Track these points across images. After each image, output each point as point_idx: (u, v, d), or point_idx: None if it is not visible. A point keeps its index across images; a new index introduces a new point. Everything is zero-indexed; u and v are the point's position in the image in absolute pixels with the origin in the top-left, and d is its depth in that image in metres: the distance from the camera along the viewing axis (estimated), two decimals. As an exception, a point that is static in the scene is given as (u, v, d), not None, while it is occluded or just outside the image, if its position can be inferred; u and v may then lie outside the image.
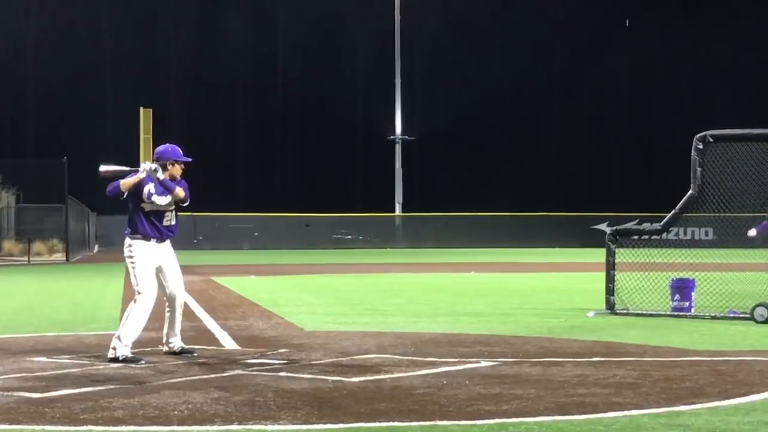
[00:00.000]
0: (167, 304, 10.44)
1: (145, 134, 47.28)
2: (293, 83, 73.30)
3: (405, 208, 64.05)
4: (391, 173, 65.28)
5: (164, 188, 10.18)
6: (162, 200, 10.24)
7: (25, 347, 11.35)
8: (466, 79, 73.37)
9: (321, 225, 59.96)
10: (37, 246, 45.83)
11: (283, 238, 58.25)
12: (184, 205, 10.47)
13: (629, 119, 75.62)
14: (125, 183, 10.19)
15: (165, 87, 70.38)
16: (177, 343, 10.45)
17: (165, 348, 10.45)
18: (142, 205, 10.19)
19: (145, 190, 10.19)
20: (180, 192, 10.23)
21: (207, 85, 71.10)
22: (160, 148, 10.51)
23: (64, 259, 41.77)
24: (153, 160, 10.47)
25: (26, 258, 41.70)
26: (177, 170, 10.34)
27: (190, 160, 10.41)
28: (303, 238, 58.31)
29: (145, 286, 10.10)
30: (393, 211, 63.82)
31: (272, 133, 73.52)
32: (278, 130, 73.89)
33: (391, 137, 66.38)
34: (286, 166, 73.71)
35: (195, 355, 10.37)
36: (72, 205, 44.60)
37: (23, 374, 9.21)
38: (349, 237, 59.92)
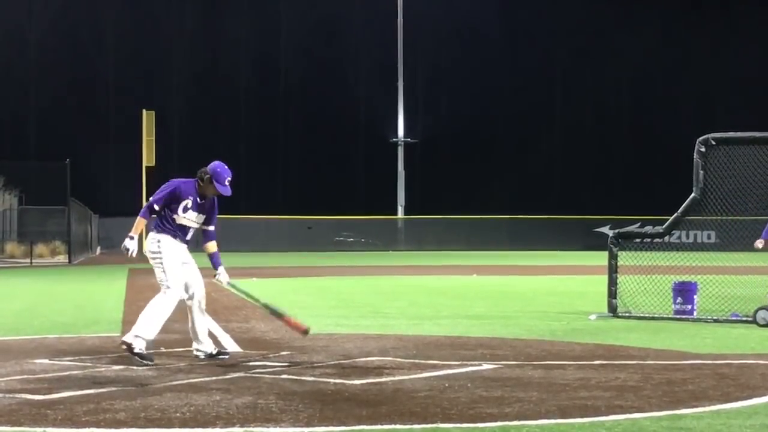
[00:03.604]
0: (189, 303, 10.35)
1: (147, 136, 47.37)
2: (295, 85, 73.34)
3: (407, 211, 64.06)
4: (393, 176, 65.31)
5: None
6: (194, 217, 10.17)
7: (27, 349, 11.35)
8: (469, 82, 73.38)
9: (323, 227, 59.98)
10: (40, 248, 45.85)
11: (285, 240, 58.27)
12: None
13: (631, 122, 75.61)
14: (136, 226, 10.18)
15: (167, 89, 70.43)
16: (209, 346, 10.41)
17: (199, 354, 10.35)
18: (174, 216, 10.13)
19: (183, 204, 10.13)
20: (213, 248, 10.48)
21: (209, 86, 71.16)
22: (216, 163, 10.24)
23: (67, 261, 41.79)
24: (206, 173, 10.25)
25: (28, 260, 41.72)
26: (210, 190, 10.16)
27: (228, 194, 10.13)
28: (305, 241, 58.33)
29: (174, 281, 10.02)
30: (395, 213, 63.84)
31: (274, 135, 73.56)
32: (280, 132, 73.93)
33: (394, 140, 66.41)
34: (288, 168, 73.74)
35: (227, 356, 10.37)
36: (74, 207, 44.62)
37: (25, 376, 9.22)
38: (351, 239, 59.93)
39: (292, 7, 73.70)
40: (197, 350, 10.39)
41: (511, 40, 73.47)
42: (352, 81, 73.38)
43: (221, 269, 10.33)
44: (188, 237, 10.30)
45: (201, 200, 10.21)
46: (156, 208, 10.14)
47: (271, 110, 73.13)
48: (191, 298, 10.30)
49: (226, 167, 10.27)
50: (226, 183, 10.18)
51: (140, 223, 10.18)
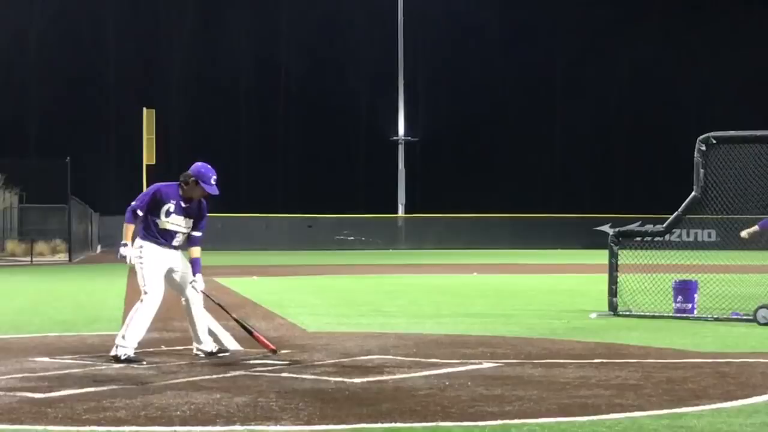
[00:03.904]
0: (185, 308, 10.40)
1: (148, 134, 47.31)
2: (296, 83, 73.35)
3: (408, 209, 64.04)
4: (393, 174, 65.29)
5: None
6: (180, 221, 10.13)
7: (27, 347, 11.35)
8: (469, 81, 73.39)
9: (323, 226, 59.97)
10: (40, 246, 45.87)
11: (286, 238, 58.27)
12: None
13: (632, 121, 75.62)
14: (125, 231, 10.11)
15: (168, 87, 70.44)
16: (209, 345, 10.42)
17: (199, 353, 10.38)
18: (157, 221, 10.10)
19: (164, 208, 10.08)
20: (197, 254, 10.32)
21: (210, 85, 71.15)
22: (198, 164, 10.22)
23: (67, 259, 41.80)
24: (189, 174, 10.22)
25: (29, 258, 41.74)
26: (195, 191, 10.12)
27: (216, 193, 10.13)
28: (305, 239, 58.32)
29: (151, 287, 10.06)
30: (395, 212, 63.83)
31: (275, 133, 73.57)
32: (281, 130, 73.94)
33: (394, 138, 66.40)
34: (289, 166, 73.75)
35: (228, 354, 10.37)
36: (75, 205, 44.64)
37: (26, 374, 9.22)
38: (352, 238, 59.93)
39: (292, 5, 73.69)
40: (197, 349, 10.41)
41: (512, 38, 73.45)
42: (352, 79, 73.36)
43: (199, 276, 10.27)
44: (175, 242, 10.19)
45: (186, 204, 10.15)
46: (139, 213, 10.09)
47: (271, 109, 73.12)
48: (188, 300, 10.33)
49: (209, 167, 10.21)
50: (213, 182, 10.12)
51: (128, 228, 10.13)
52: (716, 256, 18.57)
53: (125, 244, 10.10)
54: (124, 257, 10.15)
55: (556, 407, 7.49)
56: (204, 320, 10.51)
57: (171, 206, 10.07)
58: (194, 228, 10.26)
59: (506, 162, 72.67)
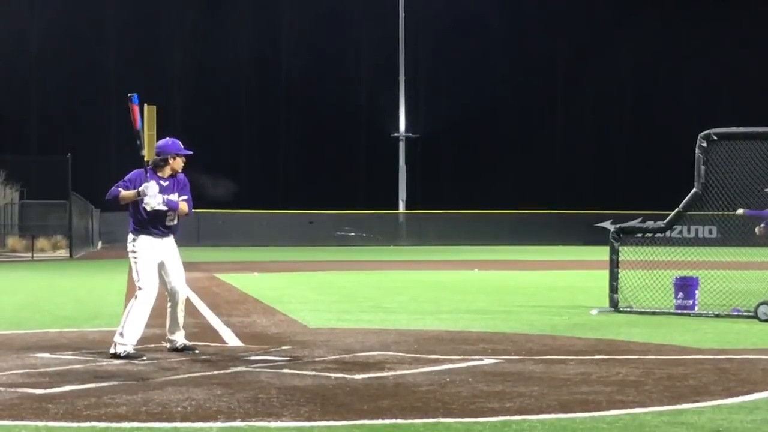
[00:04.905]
0: (168, 299, 10.44)
1: (149, 131, 47.28)
2: (297, 80, 73.35)
3: (408, 206, 64.06)
4: (394, 170, 65.31)
5: (168, 208, 10.16)
6: (163, 199, 10.22)
7: (28, 343, 11.36)
8: (470, 77, 73.38)
9: (324, 222, 59.97)
10: (41, 242, 45.87)
11: (287, 234, 58.28)
12: (187, 216, 10.45)
13: (633, 117, 75.62)
14: (125, 196, 10.12)
15: (169, 83, 70.42)
16: (180, 339, 10.47)
17: (167, 344, 10.48)
18: (143, 206, 10.17)
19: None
20: (184, 208, 10.28)
21: (211, 81, 71.15)
22: (161, 142, 10.50)
23: (68, 255, 41.81)
24: (155, 155, 10.48)
25: (30, 254, 41.75)
26: (178, 164, 10.34)
27: (190, 152, 10.38)
28: (306, 235, 58.33)
29: (146, 282, 10.10)
30: (396, 208, 63.85)
31: (276, 129, 73.56)
32: (282, 126, 73.93)
33: (395, 134, 66.40)
34: (289, 162, 73.73)
35: (196, 352, 10.37)
36: (76, 201, 44.63)
37: (26, 370, 9.22)
38: (353, 234, 59.94)
39: (293, 1, 73.65)
40: (169, 340, 10.44)
41: (513, 33, 73.45)
42: (353, 75, 73.35)
43: (160, 196, 10.13)
44: (168, 221, 10.24)
45: (165, 182, 10.26)
46: (121, 190, 10.14)
47: (272, 105, 73.11)
48: (173, 297, 10.36)
49: (168, 138, 10.50)
50: (182, 147, 10.40)
51: (122, 192, 10.12)
52: (717, 252, 18.56)
53: (138, 192, 10.04)
54: (147, 194, 10.05)
55: (557, 403, 7.49)
56: (182, 314, 10.54)
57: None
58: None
59: (507, 158, 72.64)
